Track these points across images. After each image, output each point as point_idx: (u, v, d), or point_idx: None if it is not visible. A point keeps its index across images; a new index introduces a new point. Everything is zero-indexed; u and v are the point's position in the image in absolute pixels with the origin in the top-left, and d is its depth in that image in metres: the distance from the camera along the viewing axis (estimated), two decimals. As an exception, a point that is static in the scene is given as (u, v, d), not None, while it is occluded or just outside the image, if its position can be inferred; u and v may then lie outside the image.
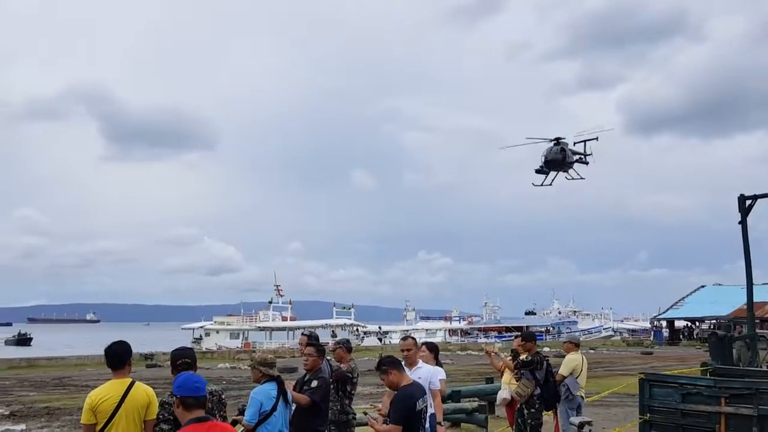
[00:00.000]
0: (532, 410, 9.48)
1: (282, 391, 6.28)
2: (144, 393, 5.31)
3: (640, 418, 10.68)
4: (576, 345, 11.17)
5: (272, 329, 70.10)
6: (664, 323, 73.02)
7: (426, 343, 8.91)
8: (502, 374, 11.32)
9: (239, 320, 72.31)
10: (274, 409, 6.14)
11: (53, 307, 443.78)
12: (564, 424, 10.34)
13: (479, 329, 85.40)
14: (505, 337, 70.53)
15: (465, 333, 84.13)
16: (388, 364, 5.96)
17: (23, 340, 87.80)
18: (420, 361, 7.71)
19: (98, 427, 5.13)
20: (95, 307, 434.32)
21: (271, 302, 75.33)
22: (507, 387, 10.80)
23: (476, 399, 15.26)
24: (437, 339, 64.95)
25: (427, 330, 78.76)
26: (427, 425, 6.34)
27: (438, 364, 8.53)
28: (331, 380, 7.69)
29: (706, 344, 26.15)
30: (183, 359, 5.67)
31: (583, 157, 39.21)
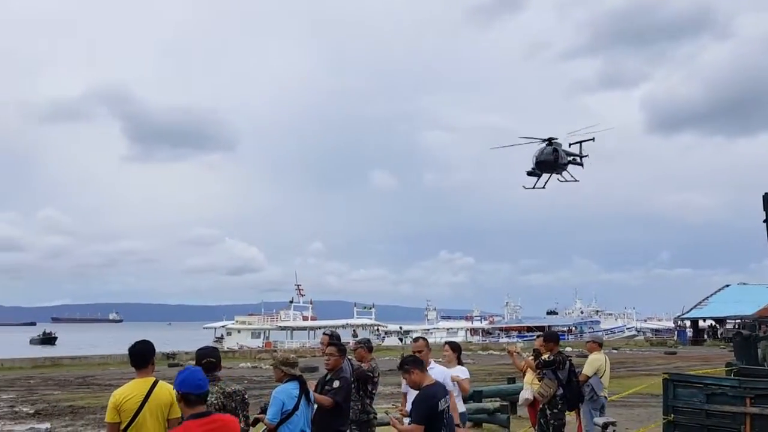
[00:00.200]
0: (555, 410, 9.41)
1: (304, 391, 6.29)
2: (167, 392, 5.32)
3: (663, 419, 10.56)
4: (599, 345, 11.08)
5: (293, 329, 70.30)
6: (687, 323, 72.38)
7: (449, 343, 8.89)
8: (524, 374, 11.24)
9: (260, 320, 72.66)
10: (296, 408, 6.15)
11: (77, 306, 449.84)
12: (587, 425, 10.26)
13: (501, 329, 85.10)
14: (526, 336, 70.15)
15: (486, 333, 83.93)
16: (410, 364, 5.95)
17: (48, 339, 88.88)
18: (432, 361, 7.68)
19: (122, 426, 5.16)
20: (118, 306, 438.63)
21: (292, 302, 75.65)
22: (529, 387, 10.72)
23: (498, 399, 15.22)
24: (458, 339, 64.80)
25: (448, 329, 78.71)
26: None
27: (460, 363, 8.51)
28: (352, 379, 7.68)
29: (731, 344, 25.87)
30: (208, 358, 5.73)
31: (578, 158, 37.09)
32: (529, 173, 36.30)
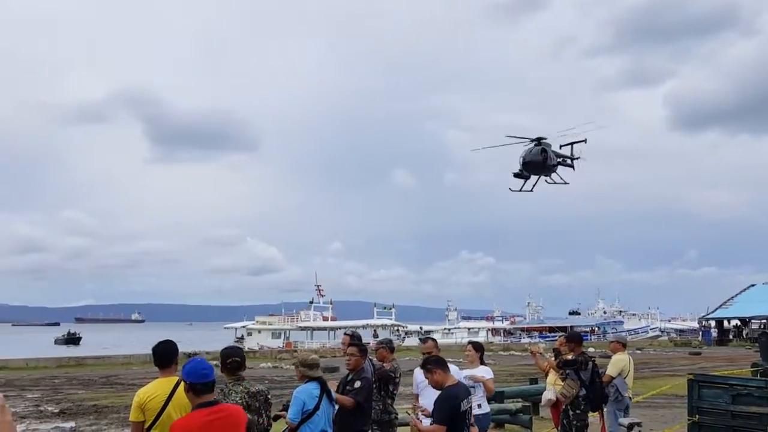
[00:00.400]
0: (577, 411, 9.32)
1: (325, 391, 6.29)
2: (190, 391, 5.36)
3: (688, 420, 10.47)
4: (623, 345, 10.98)
5: (313, 329, 70.53)
6: (712, 323, 71.71)
7: (472, 342, 8.87)
8: (546, 375, 11.17)
9: (281, 320, 72.96)
10: (316, 408, 6.17)
11: (100, 307, 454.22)
12: (612, 426, 10.17)
13: (522, 329, 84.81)
14: (548, 337, 69.84)
15: (508, 333, 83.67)
16: (433, 364, 5.93)
17: (72, 339, 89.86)
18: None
19: (146, 425, 5.20)
20: (140, 307, 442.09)
21: (312, 302, 75.87)
22: (552, 388, 10.64)
23: (520, 400, 15.14)
24: (479, 339, 64.67)
25: (469, 330, 78.58)
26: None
27: (483, 363, 8.47)
28: (374, 380, 7.67)
29: (756, 344, 25.56)
30: (233, 358, 5.79)
31: (569, 160, 35.15)
32: (516, 175, 34.48)
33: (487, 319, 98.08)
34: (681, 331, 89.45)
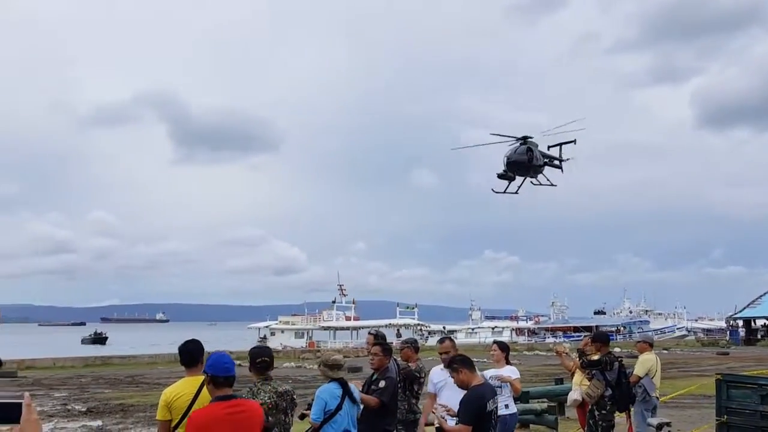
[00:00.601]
0: (603, 412, 9.23)
1: (347, 391, 6.29)
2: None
3: (717, 420, 10.33)
4: (650, 345, 10.87)
5: (336, 329, 70.71)
6: (740, 322, 70.86)
7: (497, 342, 8.81)
8: (572, 375, 11.07)
9: (304, 320, 73.29)
10: (339, 407, 6.17)
11: (125, 307, 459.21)
12: (639, 426, 10.06)
13: (547, 329, 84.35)
14: (573, 337, 69.36)
15: (532, 333, 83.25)
16: (459, 363, 5.89)
17: (99, 339, 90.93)
18: None
19: (173, 424, 5.22)
20: (164, 307, 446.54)
21: (334, 302, 76.05)
22: (578, 388, 10.55)
23: (545, 400, 15.03)
24: (504, 338, 64.37)
25: (493, 329, 78.27)
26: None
27: (508, 363, 8.41)
28: (398, 379, 7.65)
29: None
30: (262, 358, 5.82)
31: (557, 161, 33.50)
32: (500, 176, 32.65)
33: (512, 318, 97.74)
34: (708, 331, 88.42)
